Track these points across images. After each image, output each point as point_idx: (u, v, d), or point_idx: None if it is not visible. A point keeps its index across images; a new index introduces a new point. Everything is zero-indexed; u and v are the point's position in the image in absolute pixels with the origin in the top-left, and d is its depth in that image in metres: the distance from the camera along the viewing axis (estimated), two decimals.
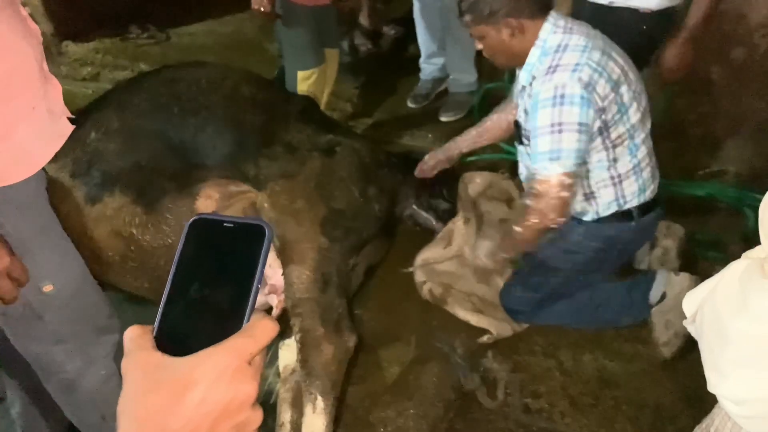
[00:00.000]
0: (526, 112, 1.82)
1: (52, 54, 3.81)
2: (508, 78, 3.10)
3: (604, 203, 1.89)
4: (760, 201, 1.00)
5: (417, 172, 2.35)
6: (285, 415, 1.89)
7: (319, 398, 1.79)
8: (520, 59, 1.81)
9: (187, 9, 4.39)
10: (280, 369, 2.01)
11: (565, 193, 1.70)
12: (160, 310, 0.49)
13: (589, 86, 1.66)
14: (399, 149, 2.96)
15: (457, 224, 2.26)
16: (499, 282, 2.23)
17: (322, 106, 2.85)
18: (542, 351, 2.12)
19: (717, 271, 1.09)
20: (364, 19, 3.98)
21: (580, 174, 1.78)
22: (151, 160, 1.98)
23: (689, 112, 3.01)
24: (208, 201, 1.96)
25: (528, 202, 1.74)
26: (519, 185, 2.33)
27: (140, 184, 1.95)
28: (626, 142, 1.80)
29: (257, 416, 0.49)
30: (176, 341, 0.48)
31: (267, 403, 1.98)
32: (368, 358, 2.08)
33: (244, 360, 0.47)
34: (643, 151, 1.85)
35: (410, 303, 2.28)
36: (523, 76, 1.84)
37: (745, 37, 2.81)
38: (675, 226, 2.32)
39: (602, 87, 1.68)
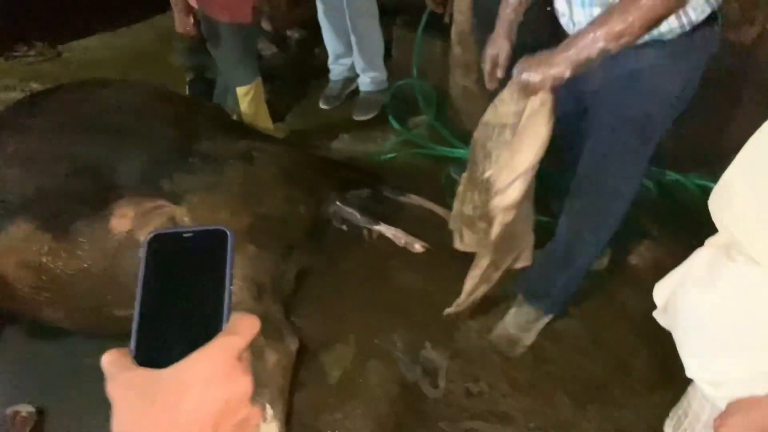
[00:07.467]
0: None
1: None
2: (417, 75, 3.14)
3: (699, 3, 1.46)
4: None
5: (487, 75, 1.73)
6: None
7: (268, 407, 1.76)
8: None
9: (78, 22, 4.16)
10: None
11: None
12: (134, 329, 0.48)
13: None
14: (317, 151, 2.93)
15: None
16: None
17: (265, 121, 2.83)
18: (477, 335, 2.16)
19: None
20: (266, 24, 3.92)
21: None
22: (57, 184, 1.87)
23: None
24: (123, 220, 1.87)
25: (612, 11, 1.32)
26: None
27: (47, 209, 1.84)
28: None
29: (257, 412, 0.48)
30: (157, 356, 0.47)
31: None
32: (309, 364, 2.04)
33: (233, 357, 0.47)
34: None
35: (344, 304, 2.26)
36: None
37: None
38: None
39: None
